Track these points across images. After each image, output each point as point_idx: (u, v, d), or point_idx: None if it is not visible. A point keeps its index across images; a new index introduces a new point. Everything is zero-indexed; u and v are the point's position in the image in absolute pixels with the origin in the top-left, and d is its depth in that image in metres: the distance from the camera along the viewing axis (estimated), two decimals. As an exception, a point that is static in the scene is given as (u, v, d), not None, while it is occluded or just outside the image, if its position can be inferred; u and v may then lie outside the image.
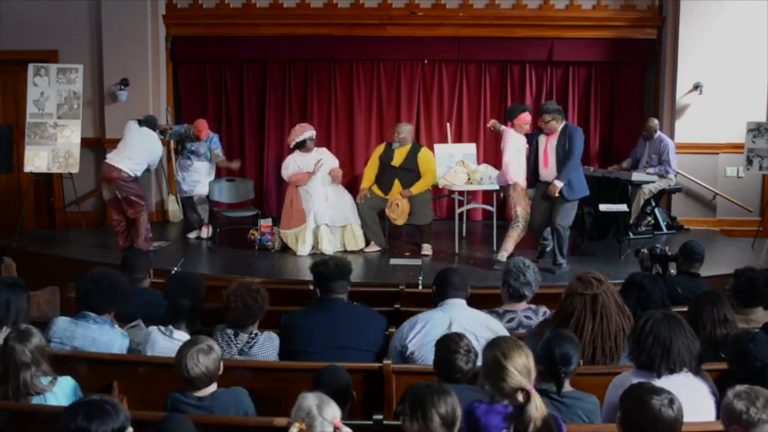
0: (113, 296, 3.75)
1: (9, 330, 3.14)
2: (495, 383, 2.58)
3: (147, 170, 7.43)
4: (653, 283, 4.05)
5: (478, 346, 3.03)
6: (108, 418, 2.30)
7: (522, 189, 6.58)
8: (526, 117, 6.61)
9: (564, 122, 6.38)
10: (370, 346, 3.78)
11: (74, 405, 2.40)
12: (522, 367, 2.55)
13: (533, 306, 4.02)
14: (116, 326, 3.78)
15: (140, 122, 7.30)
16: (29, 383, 2.89)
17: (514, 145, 6.54)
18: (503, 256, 6.40)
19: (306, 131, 7.36)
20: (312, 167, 7.21)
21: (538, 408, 2.48)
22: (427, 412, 2.40)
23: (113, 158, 7.05)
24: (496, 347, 2.62)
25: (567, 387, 2.93)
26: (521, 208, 6.52)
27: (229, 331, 3.64)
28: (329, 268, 3.87)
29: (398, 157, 7.23)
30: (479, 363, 2.97)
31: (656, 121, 8.28)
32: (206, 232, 7.95)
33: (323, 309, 3.83)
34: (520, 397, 2.52)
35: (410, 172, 7.19)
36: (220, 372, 2.99)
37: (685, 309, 3.75)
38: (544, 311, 3.97)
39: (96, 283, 3.74)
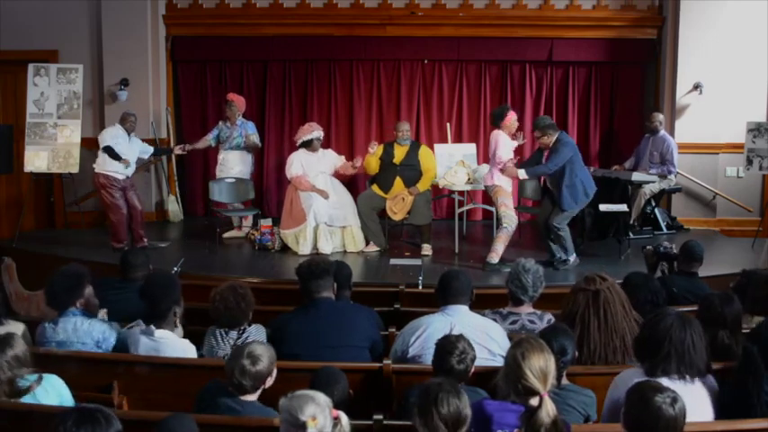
0: (67, 287, 3.72)
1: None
2: (510, 382, 2.59)
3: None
4: (644, 282, 4.04)
5: (476, 352, 3.08)
6: (98, 428, 2.26)
7: (502, 189, 6.56)
8: (512, 116, 6.64)
9: (557, 134, 6.39)
10: (363, 342, 3.78)
11: (67, 411, 2.39)
12: (537, 370, 2.53)
13: (539, 312, 3.99)
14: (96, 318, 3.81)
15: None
16: (12, 387, 2.88)
17: (505, 147, 6.54)
18: (492, 258, 6.48)
19: (314, 131, 7.39)
20: (315, 168, 7.25)
21: (549, 414, 2.48)
22: (429, 409, 2.41)
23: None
24: (518, 347, 2.61)
25: (564, 380, 2.94)
26: (506, 208, 6.53)
27: (221, 329, 3.70)
28: (304, 269, 3.89)
29: (399, 155, 7.25)
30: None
31: (661, 116, 8.26)
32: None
33: (307, 310, 3.82)
34: (533, 401, 2.51)
35: (411, 169, 7.21)
36: (272, 378, 2.98)
37: (684, 309, 3.74)
38: (549, 318, 3.92)
39: (50, 282, 3.75)
